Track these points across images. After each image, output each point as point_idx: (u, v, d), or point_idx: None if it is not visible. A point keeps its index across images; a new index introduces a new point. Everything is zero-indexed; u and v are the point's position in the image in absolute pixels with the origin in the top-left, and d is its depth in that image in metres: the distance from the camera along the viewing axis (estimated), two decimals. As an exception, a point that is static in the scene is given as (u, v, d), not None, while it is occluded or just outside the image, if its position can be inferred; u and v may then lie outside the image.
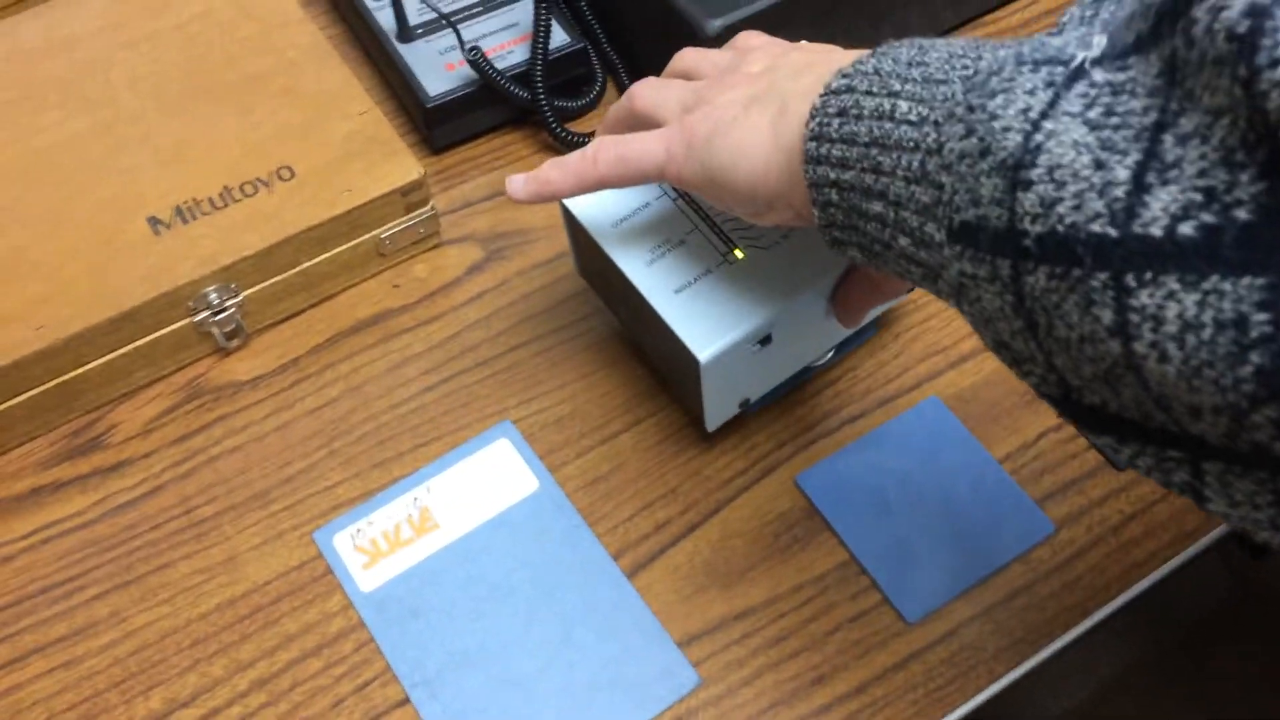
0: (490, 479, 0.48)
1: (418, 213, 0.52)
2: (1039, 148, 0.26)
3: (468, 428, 0.49)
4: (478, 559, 0.46)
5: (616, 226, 0.45)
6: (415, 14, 0.58)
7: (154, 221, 0.49)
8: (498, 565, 0.46)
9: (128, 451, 0.49)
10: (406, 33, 0.57)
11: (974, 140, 0.28)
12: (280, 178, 0.50)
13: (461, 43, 0.54)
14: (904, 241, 0.32)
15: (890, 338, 0.51)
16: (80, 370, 0.48)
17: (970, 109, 0.29)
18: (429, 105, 0.55)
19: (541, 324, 0.52)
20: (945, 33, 0.62)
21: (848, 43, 0.60)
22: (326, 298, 0.53)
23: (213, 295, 0.48)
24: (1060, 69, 0.27)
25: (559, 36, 0.58)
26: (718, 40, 0.52)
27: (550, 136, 0.57)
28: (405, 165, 0.51)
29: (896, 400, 0.50)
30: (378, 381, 0.51)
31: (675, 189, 0.46)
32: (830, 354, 0.49)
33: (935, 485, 0.47)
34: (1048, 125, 0.27)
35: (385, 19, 0.58)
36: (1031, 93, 0.27)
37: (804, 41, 0.48)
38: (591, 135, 0.57)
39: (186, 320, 0.49)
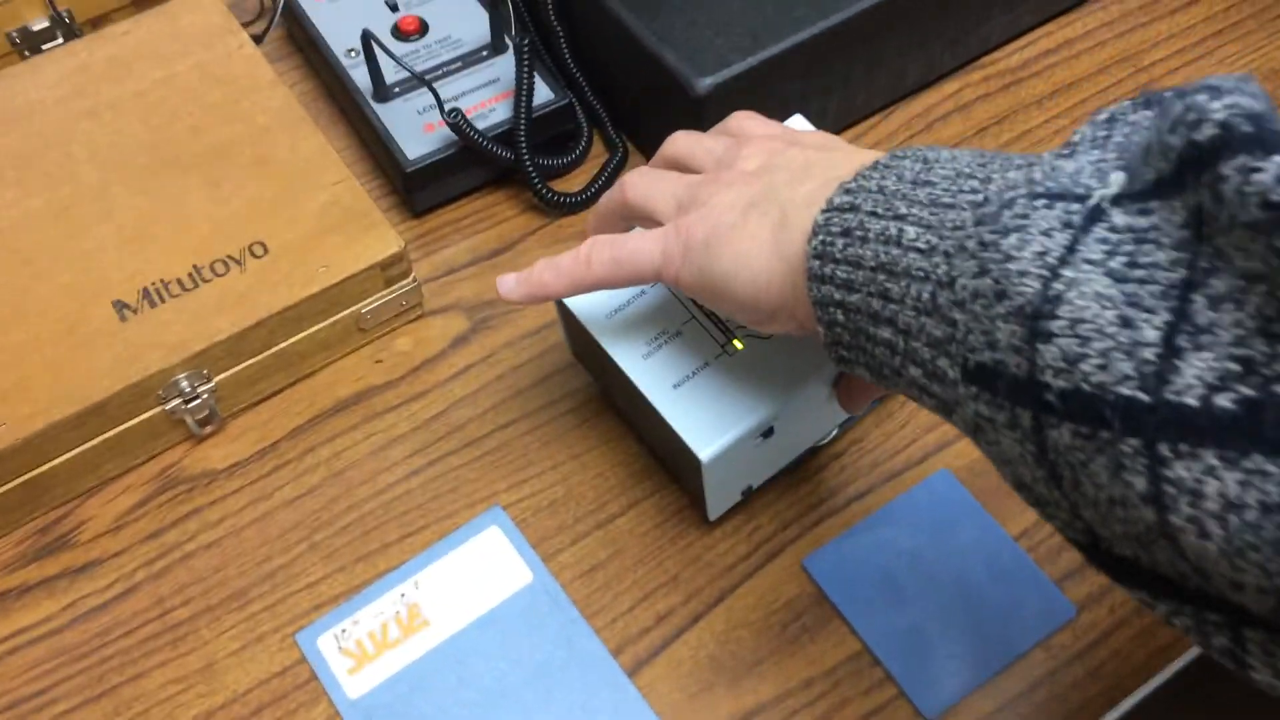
0: (481, 571, 0.45)
1: (399, 285, 0.50)
2: (1059, 298, 0.25)
3: (456, 515, 0.47)
4: (470, 660, 0.43)
5: (611, 318, 0.43)
6: (392, 72, 0.56)
7: (120, 306, 0.47)
8: (491, 667, 0.43)
9: (97, 550, 0.46)
10: (383, 92, 0.55)
11: (988, 281, 0.26)
12: (253, 255, 0.48)
13: (440, 104, 0.52)
14: (915, 372, 0.30)
15: (896, 405, 0.49)
16: (45, 467, 0.45)
17: (983, 245, 0.27)
18: (408, 170, 0.53)
19: (531, 400, 0.50)
20: (943, 76, 0.60)
21: (843, 90, 0.58)
22: (305, 376, 0.50)
23: (184, 383, 0.46)
24: (1077, 206, 0.25)
25: (542, 92, 0.55)
26: (708, 99, 0.50)
27: (535, 196, 0.54)
28: (384, 238, 0.49)
29: (905, 474, 0.48)
30: (361, 466, 0.48)
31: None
32: (834, 431, 0.47)
33: (949, 566, 0.45)
34: (1067, 273, 0.25)
35: (360, 77, 0.56)
36: (1048, 234, 0.25)
37: (802, 127, 0.46)
38: (580, 196, 0.55)
39: (157, 409, 0.46)
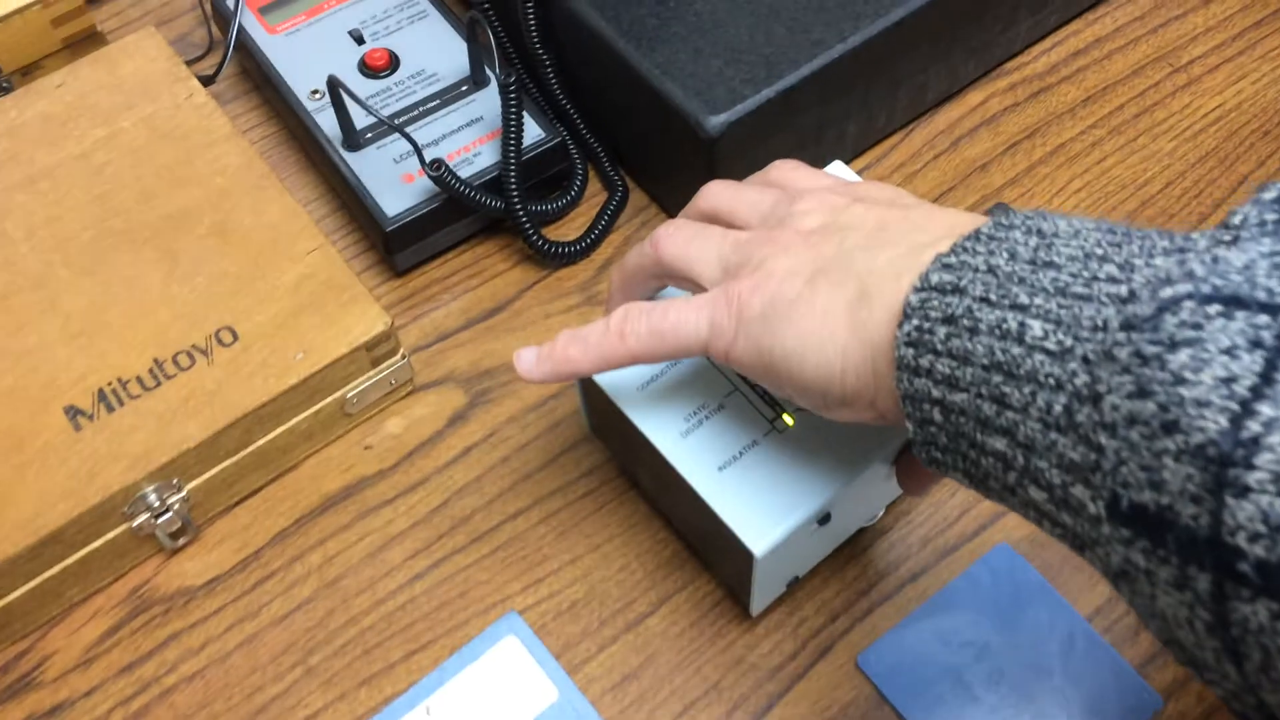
0: (500, 690, 0.41)
1: (387, 364, 0.45)
2: (1257, 442, 0.20)
3: (467, 624, 0.42)
4: (495, 797, 0.39)
5: (643, 390, 0.38)
6: (362, 116, 0.50)
7: (73, 412, 0.41)
8: (520, 803, 0.39)
9: (66, 689, 0.41)
10: (353, 139, 0.49)
11: (1151, 405, 0.22)
12: (220, 343, 0.43)
13: (420, 155, 0.46)
14: (1037, 495, 0.25)
15: (944, 468, 0.45)
16: (2, 602, 0.40)
17: (1141, 358, 0.22)
18: (388, 229, 0.48)
19: (542, 483, 0.45)
20: (966, 87, 0.55)
21: (863, 113, 0.53)
22: (287, 470, 0.45)
23: (151, 496, 0.41)
24: (1265, 319, 0.21)
25: (531, 130, 0.50)
26: (721, 140, 0.45)
27: (528, 246, 0.49)
28: (368, 314, 0.44)
29: (960, 550, 0.43)
30: (357, 572, 0.43)
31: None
32: (881, 510, 0.43)
33: (1019, 657, 0.41)
34: (1266, 410, 0.20)
35: (327, 122, 0.50)
36: (1232, 353, 0.21)
37: (845, 176, 0.41)
38: (578, 245, 0.50)
39: (123, 527, 0.41)
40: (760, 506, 0.36)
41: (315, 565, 0.44)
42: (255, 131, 0.55)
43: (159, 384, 0.42)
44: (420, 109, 0.51)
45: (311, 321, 0.43)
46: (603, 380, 0.39)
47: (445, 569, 0.43)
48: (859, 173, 0.53)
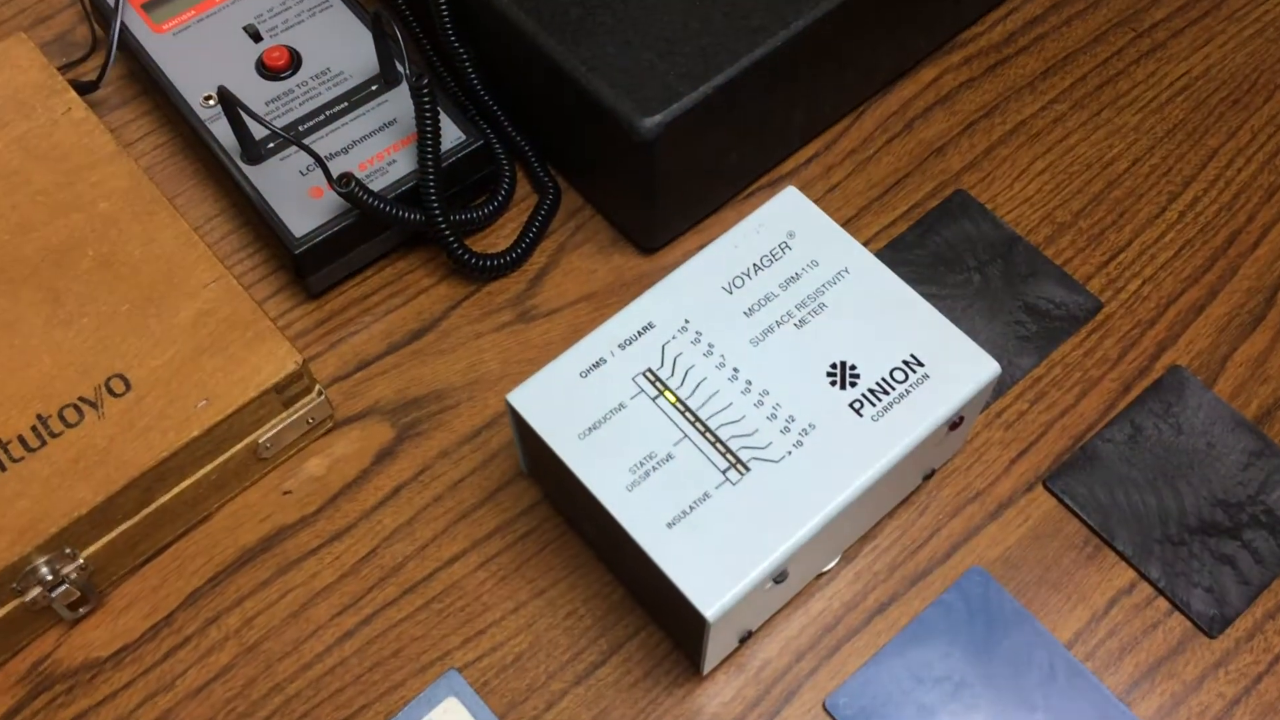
0: (442, 757, 0.38)
1: (301, 403, 0.42)
2: None
3: (403, 686, 0.39)
4: None
5: (585, 438, 0.35)
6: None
7: (-53, 480, 0.38)
8: None
9: (-39, 784, 0.38)
10: (254, 151, 0.46)
11: None
12: (111, 393, 0.39)
13: (327, 172, 0.42)
14: None
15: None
16: (-123, 695, 0.37)
17: None
18: (297, 251, 0.44)
19: (479, 523, 0.42)
20: (919, 62, 0.52)
21: (808, 101, 0.49)
22: (198, 523, 0.42)
23: (43, 569, 0.37)
24: None
25: (451, 133, 0.46)
26: (656, 142, 0.42)
27: (455, 262, 0.46)
28: (276, 353, 0.40)
29: (931, 575, 0.41)
30: (280, 634, 0.40)
31: (654, 383, 0.36)
32: (839, 555, 0.40)
33: (998, 692, 0.39)
34: None
35: (224, 133, 0.46)
36: None
37: (799, 205, 0.39)
38: (508, 256, 0.46)
39: (14, 603, 0.38)
40: (712, 566, 0.34)
41: (233, 628, 0.40)
42: (146, 141, 0.51)
43: (44, 444, 0.38)
44: (326, 113, 0.47)
45: (213, 364, 0.40)
46: (540, 426, 0.36)
47: (376, 625, 0.40)
48: (805, 164, 0.50)
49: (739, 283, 0.38)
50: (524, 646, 0.40)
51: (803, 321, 0.38)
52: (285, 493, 0.43)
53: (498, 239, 0.48)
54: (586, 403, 0.36)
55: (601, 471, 0.35)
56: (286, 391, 0.40)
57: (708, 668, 0.38)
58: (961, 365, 0.37)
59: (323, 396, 0.42)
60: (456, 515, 0.42)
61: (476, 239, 0.48)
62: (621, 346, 0.37)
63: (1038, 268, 0.47)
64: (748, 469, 0.35)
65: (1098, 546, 0.41)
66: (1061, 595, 0.40)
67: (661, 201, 0.45)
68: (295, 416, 0.42)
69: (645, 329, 0.38)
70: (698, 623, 0.34)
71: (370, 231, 0.46)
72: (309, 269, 0.45)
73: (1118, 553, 0.41)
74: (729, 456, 0.35)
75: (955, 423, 0.37)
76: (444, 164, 0.45)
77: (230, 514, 0.42)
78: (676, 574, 0.34)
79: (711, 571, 0.34)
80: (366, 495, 0.43)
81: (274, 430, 0.41)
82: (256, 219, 0.46)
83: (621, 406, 0.36)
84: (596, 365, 0.37)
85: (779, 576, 0.35)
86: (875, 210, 0.49)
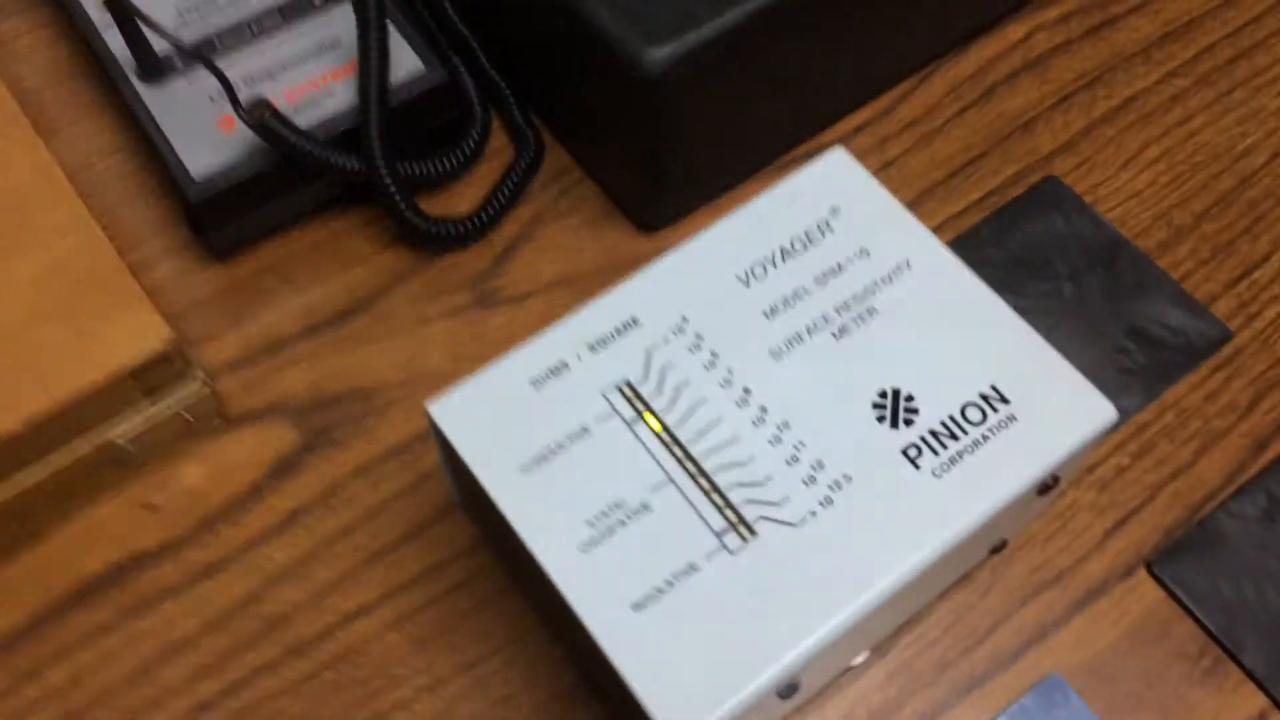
0: None
1: (173, 394, 0.32)
2: None
3: (273, 782, 0.30)
4: None
5: (528, 472, 0.26)
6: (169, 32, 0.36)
7: None
8: None
9: None
10: (152, 66, 0.36)
11: None
12: (-88, 363, 0.30)
13: (232, 94, 0.33)
14: None
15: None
16: None
17: None
18: (193, 198, 0.34)
19: (398, 567, 0.32)
20: (1003, 16, 0.42)
21: (857, 50, 0.39)
22: (27, 541, 0.32)
23: None
24: None
25: (408, 61, 0.37)
26: (663, 82, 0.32)
27: (397, 223, 0.36)
28: (139, 327, 0.30)
29: (992, 681, 0.31)
30: (116, 699, 0.31)
31: (633, 401, 0.26)
32: (870, 648, 0.30)
33: None
34: None
35: (117, 42, 0.37)
36: None
37: (846, 166, 0.29)
38: (471, 222, 0.36)
39: None
40: (692, 671, 0.24)
41: (56, 685, 0.31)
42: (41, 56, 0.41)
43: None
44: (254, 27, 0.37)
45: (54, 335, 0.30)
46: (468, 450, 0.26)
47: (245, 697, 0.31)
48: (854, 134, 0.40)
49: (760, 272, 0.28)
50: (439, 740, 0.30)
51: (844, 330, 0.27)
52: (147, 508, 0.33)
53: (460, 200, 0.39)
54: (536, 423, 0.26)
55: (546, 522, 0.25)
56: (148, 377, 0.31)
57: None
58: (1063, 406, 0.26)
59: (205, 387, 0.32)
60: (369, 554, 0.33)
61: (433, 199, 0.38)
62: (592, 348, 0.27)
63: (1148, 281, 0.37)
64: (754, 533, 0.25)
65: (1218, 659, 0.31)
66: (1164, 716, 0.30)
67: (668, 164, 0.35)
68: (166, 410, 0.32)
69: (627, 326, 0.28)
70: (666, 750, 0.24)
71: (294, 180, 0.36)
72: (209, 221, 0.35)
73: (1244, 669, 0.31)
74: (729, 513, 0.25)
75: (1048, 485, 0.27)
76: (393, 99, 0.36)
77: (73, 533, 0.33)
78: (639, 680, 0.23)
79: (690, 680, 0.23)
80: (254, 519, 0.33)
81: (134, 426, 0.31)
82: (153, 155, 0.36)
83: (584, 432, 0.26)
84: (555, 372, 0.27)
85: (786, 691, 0.25)
86: (940, 196, 0.39)
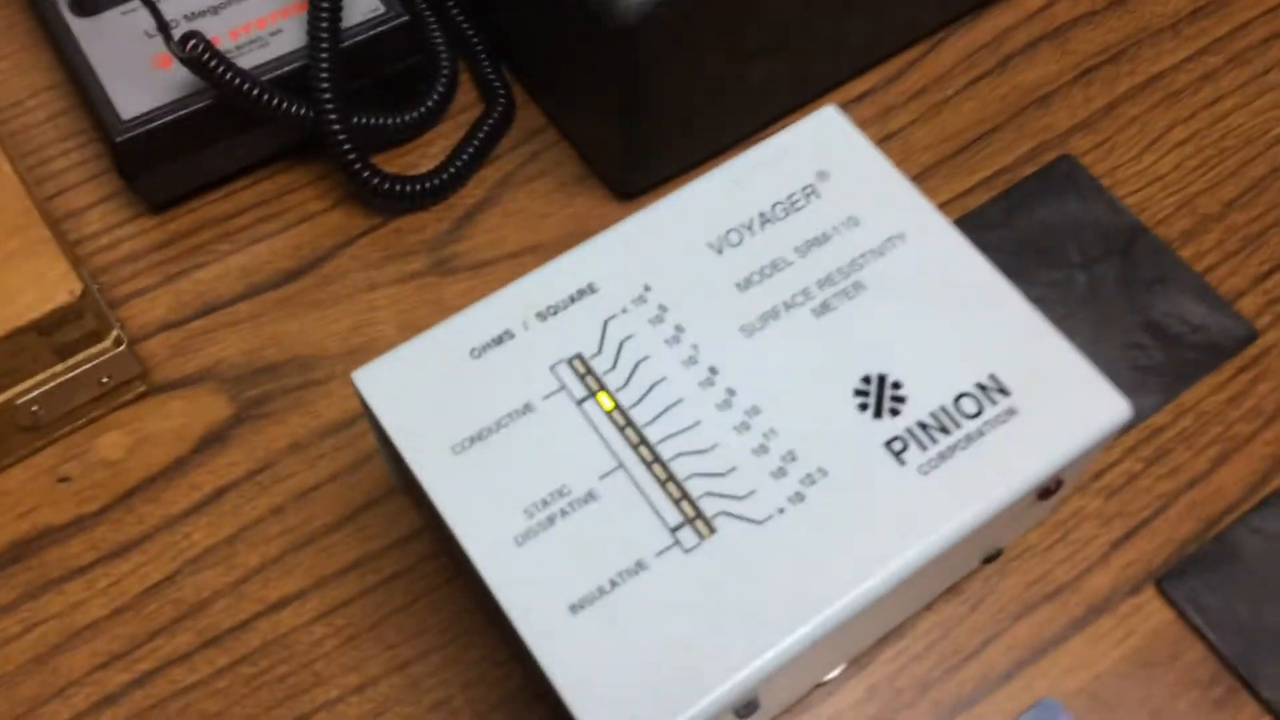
0: None
1: (87, 354, 0.29)
2: None
3: (177, 788, 0.27)
4: None
5: (461, 453, 0.23)
6: (104, -38, 0.33)
7: None
8: None
9: None
10: (87, -3, 0.33)
11: None
12: None
13: (164, 26, 0.30)
14: None
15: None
16: None
17: None
18: (119, 139, 0.31)
19: (330, 554, 0.29)
20: (972, 8, 0.39)
21: (866, 7, 0.36)
22: (-70, 509, 0.30)
23: None
24: None
25: (363, 1, 0.34)
26: (638, 34, 0.29)
27: (350, 182, 0.33)
28: (46, 276, 0.28)
29: (980, 704, 0.28)
30: (12, 686, 0.28)
31: (584, 376, 0.24)
32: (844, 664, 0.27)
33: None
34: None
35: (52, -30, 0.34)
36: None
37: (844, 130, 0.25)
38: (431, 181, 0.34)
39: None
40: (634, 686, 0.21)
41: (-53, 672, 0.28)
42: (-20, -13, 0.38)
43: None
44: (200, -41, 0.34)
45: (-50, 280, 0.27)
46: (394, 425, 0.23)
47: (154, 690, 0.28)
48: (857, 102, 0.37)
49: (735, 239, 0.25)
50: (364, 746, 0.27)
51: (826, 307, 0.24)
52: (61, 480, 0.30)
53: (421, 157, 0.36)
54: (474, 397, 0.23)
55: (478, 509, 0.22)
56: (59, 333, 0.28)
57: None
58: (1070, 400, 0.23)
59: (123, 347, 0.29)
60: (299, 539, 0.30)
61: (392, 156, 0.36)
62: (541, 316, 0.24)
63: (1169, 273, 0.34)
64: (713, 530, 0.22)
65: (1232, 689, 0.28)
66: (1173, 759, 0.27)
67: (646, 124, 0.32)
68: (79, 371, 0.29)
69: (582, 293, 0.25)
70: (602, 772, 0.21)
71: (234, 126, 0.33)
72: (136, 166, 0.32)
73: (1261, 700, 0.28)
74: (685, 506, 0.22)
75: (1049, 489, 0.24)
76: (346, 40, 0.33)
77: (-23, 502, 0.30)
78: (572, 691, 0.21)
79: (631, 693, 0.21)
80: (175, 495, 0.30)
81: (43, 388, 0.29)
82: (83, 94, 0.33)
83: (528, 408, 0.23)
84: (499, 341, 0.24)
85: (744, 710, 0.22)
86: (946, 172, 0.36)
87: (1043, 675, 0.28)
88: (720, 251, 0.25)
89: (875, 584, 0.22)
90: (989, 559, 0.28)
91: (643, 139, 0.33)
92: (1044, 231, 0.35)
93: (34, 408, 0.29)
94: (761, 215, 0.26)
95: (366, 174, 0.33)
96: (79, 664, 0.28)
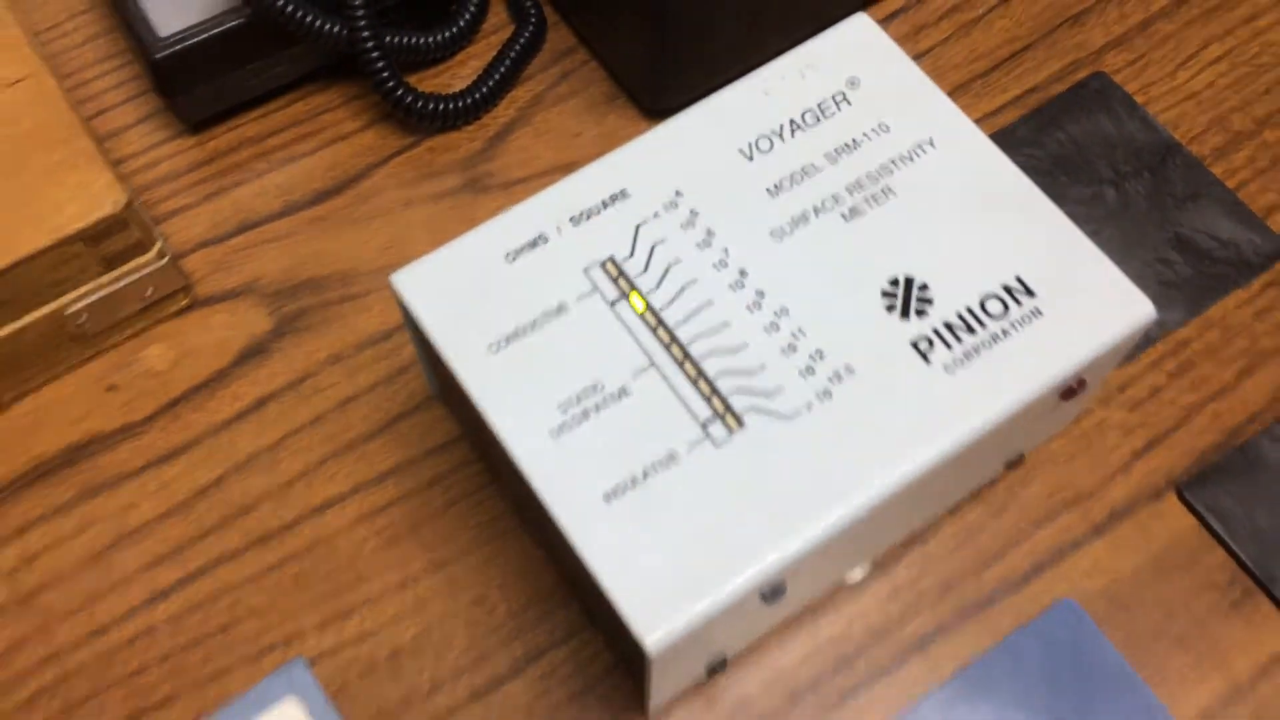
0: (264, 788, 0.27)
1: (133, 265, 0.31)
2: None
3: (228, 674, 0.29)
4: None
5: (498, 351, 0.24)
6: (142, -119, 0.35)
7: None
8: None
9: None
10: (125, -84, 0.34)
11: None
12: None
13: (205, -60, 0.31)
14: None
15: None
16: None
17: None
18: (158, 56, 0.32)
19: (370, 460, 0.31)
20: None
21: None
22: (-14, 416, 0.32)
23: None
24: None
25: (397, -81, 0.35)
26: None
27: (386, 100, 0.34)
28: (92, 187, 0.29)
29: (1000, 604, 0.29)
30: (69, 583, 0.30)
31: (616, 279, 0.25)
32: (870, 564, 0.29)
33: (1080, 790, 0.27)
34: None
35: (89, -110, 0.35)
36: None
37: (867, 32, 0.26)
38: (463, 100, 0.35)
39: None
40: (666, 569, 0.22)
41: (7, 567, 0.30)
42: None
43: None
44: (235, -122, 0.35)
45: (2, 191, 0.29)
46: (434, 326, 0.25)
47: (205, 586, 0.30)
48: (888, 20, 0.38)
49: (765, 145, 0.26)
50: (405, 639, 0.29)
51: (855, 211, 0.26)
52: (110, 388, 0.32)
53: (453, 78, 0.37)
54: (509, 298, 0.25)
55: (515, 404, 0.24)
56: (105, 244, 0.29)
57: (655, 709, 0.27)
58: (1094, 300, 0.25)
59: (167, 259, 0.31)
60: (340, 446, 0.31)
61: (425, 76, 0.37)
62: (574, 221, 0.26)
63: (1201, 189, 0.35)
64: (742, 424, 0.23)
65: (1248, 591, 0.29)
66: (1189, 655, 0.29)
67: (677, 39, 0.33)
68: (125, 283, 0.31)
69: (615, 198, 0.26)
70: (636, 651, 0.23)
71: (270, 44, 0.34)
72: (176, 85, 0.33)
73: (1276, 602, 0.29)
74: (715, 402, 0.24)
75: (1072, 388, 0.25)
76: (382, -42, 0.34)
77: (29, 409, 0.32)
78: (608, 573, 0.22)
79: (664, 576, 0.22)
80: (220, 405, 0.32)
81: (90, 298, 0.30)
82: (121, 11, 0.34)
83: (562, 309, 0.25)
84: (533, 244, 0.25)
85: (770, 593, 0.23)
86: (978, 90, 0.37)
87: (1063, 578, 0.30)
88: (751, 158, 0.26)
89: (899, 478, 0.23)
90: (1011, 465, 0.30)
91: (672, 57, 0.34)
92: (1075, 149, 0.36)
93: (82, 318, 0.31)
94: (792, 122, 0.27)
95: (400, 92, 0.34)
96: (131, 562, 0.30)
